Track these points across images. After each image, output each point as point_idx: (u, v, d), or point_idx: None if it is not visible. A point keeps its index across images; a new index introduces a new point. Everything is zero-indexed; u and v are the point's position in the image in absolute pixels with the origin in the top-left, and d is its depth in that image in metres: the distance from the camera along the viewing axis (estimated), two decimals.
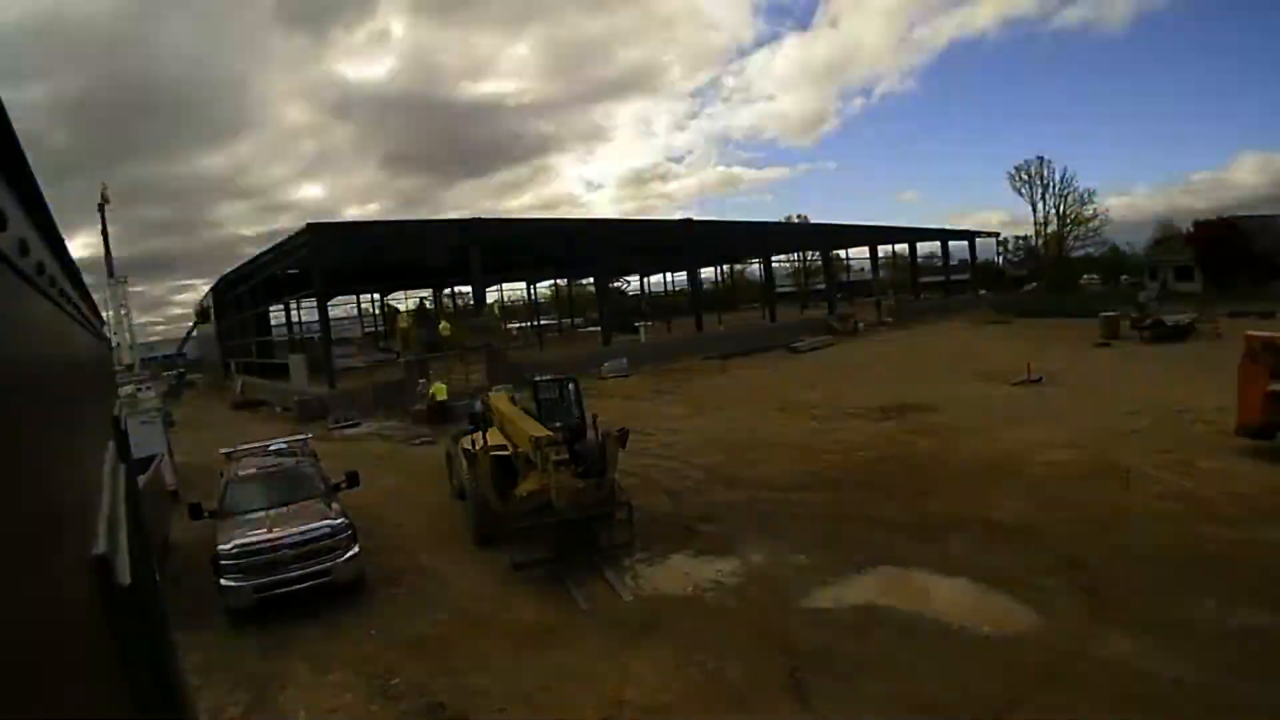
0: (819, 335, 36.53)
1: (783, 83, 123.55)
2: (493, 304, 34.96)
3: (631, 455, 11.03)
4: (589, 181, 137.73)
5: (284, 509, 8.87)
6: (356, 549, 8.53)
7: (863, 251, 55.38)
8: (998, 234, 57.64)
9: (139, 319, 39.07)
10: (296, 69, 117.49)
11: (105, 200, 31.68)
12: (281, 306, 40.43)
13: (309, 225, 25.97)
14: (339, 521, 8.56)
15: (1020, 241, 59.32)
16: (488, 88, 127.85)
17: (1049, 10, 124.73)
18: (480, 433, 10.31)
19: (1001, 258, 58.58)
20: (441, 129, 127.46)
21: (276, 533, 8.23)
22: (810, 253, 59.14)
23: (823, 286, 50.96)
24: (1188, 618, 6.41)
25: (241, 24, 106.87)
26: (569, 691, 6.17)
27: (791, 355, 31.69)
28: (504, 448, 10.00)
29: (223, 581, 7.96)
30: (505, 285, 55.10)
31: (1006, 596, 7.17)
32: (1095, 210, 53.79)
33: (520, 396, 12.54)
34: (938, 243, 55.23)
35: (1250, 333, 11.70)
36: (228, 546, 8.06)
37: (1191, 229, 46.28)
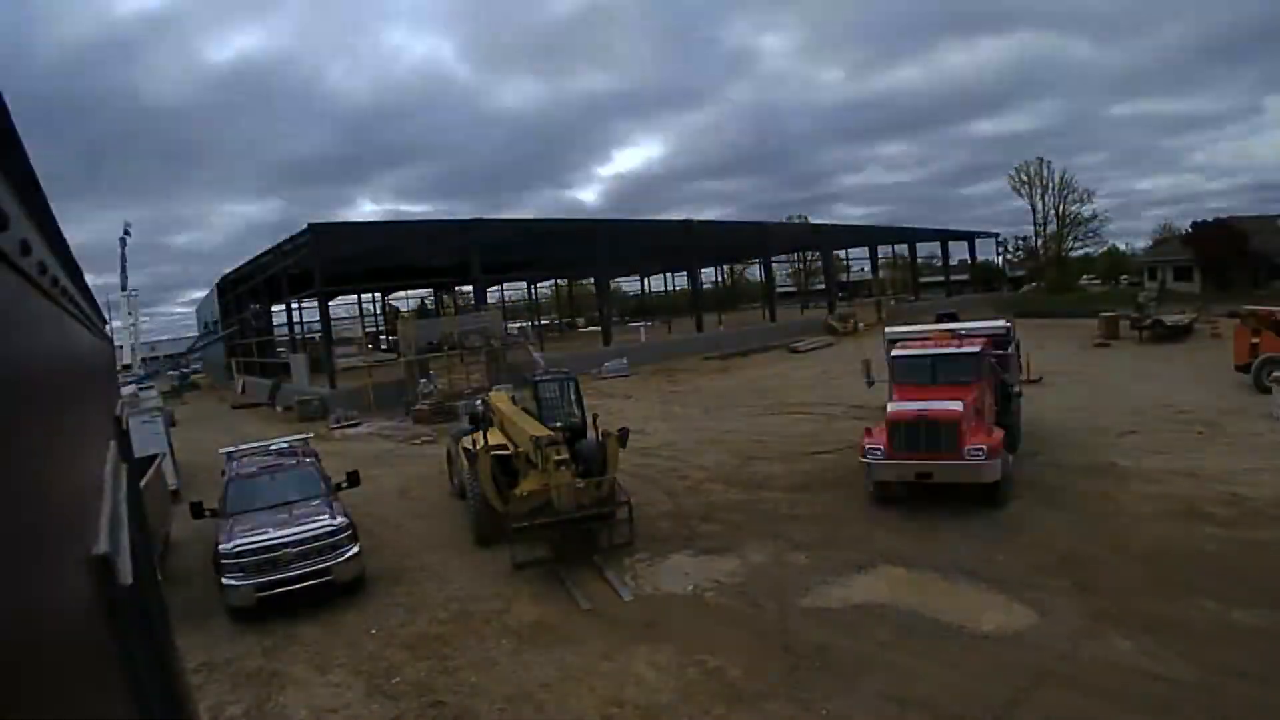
0: (819, 335, 36.54)
1: None
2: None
3: (631, 455, 11.05)
4: None
5: (285, 508, 8.88)
6: (357, 548, 8.53)
7: (863, 252, 55.44)
8: (997, 234, 57.68)
9: (145, 321, 39.57)
10: None
11: (127, 233, 36.89)
12: (283, 306, 40.41)
13: (310, 225, 25.97)
14: (340, 521, 8.57)
15: (1019, 242, 59.35)
16: None
17: None
18: (480, 432, 10.31)
19: (1001, 258, 58.57)
20: None
21: (277, 532, 8.24)
22: (810, 253, 59.15)
23: (823, 287, 50.97)
24: (1187, 618, 6.41)
25: None
26: (569, 691, 6.17)
27: (792, 355, 31.68)
28: (504, 447, 10.00)
29: (224, 580, 7.96)
30: (505, 285, 55.19)
31: (1006, 596, 7.17)
32: (1094, 210, 53.82)
33: (521, 396, 12.55)
34: (937, 243, 55.26)
35: (1244, 307, 17.44)
36: (229, 546, 8.07)
37: (1190, 229, 46.28)
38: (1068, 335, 28.87)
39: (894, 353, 11.30)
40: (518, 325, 44.01)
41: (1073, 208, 53.47)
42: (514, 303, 58.87)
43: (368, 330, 49.29)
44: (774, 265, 50.86)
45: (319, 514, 8.71)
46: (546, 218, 38.45)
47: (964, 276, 56.17)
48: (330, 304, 31.74)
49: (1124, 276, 54.70)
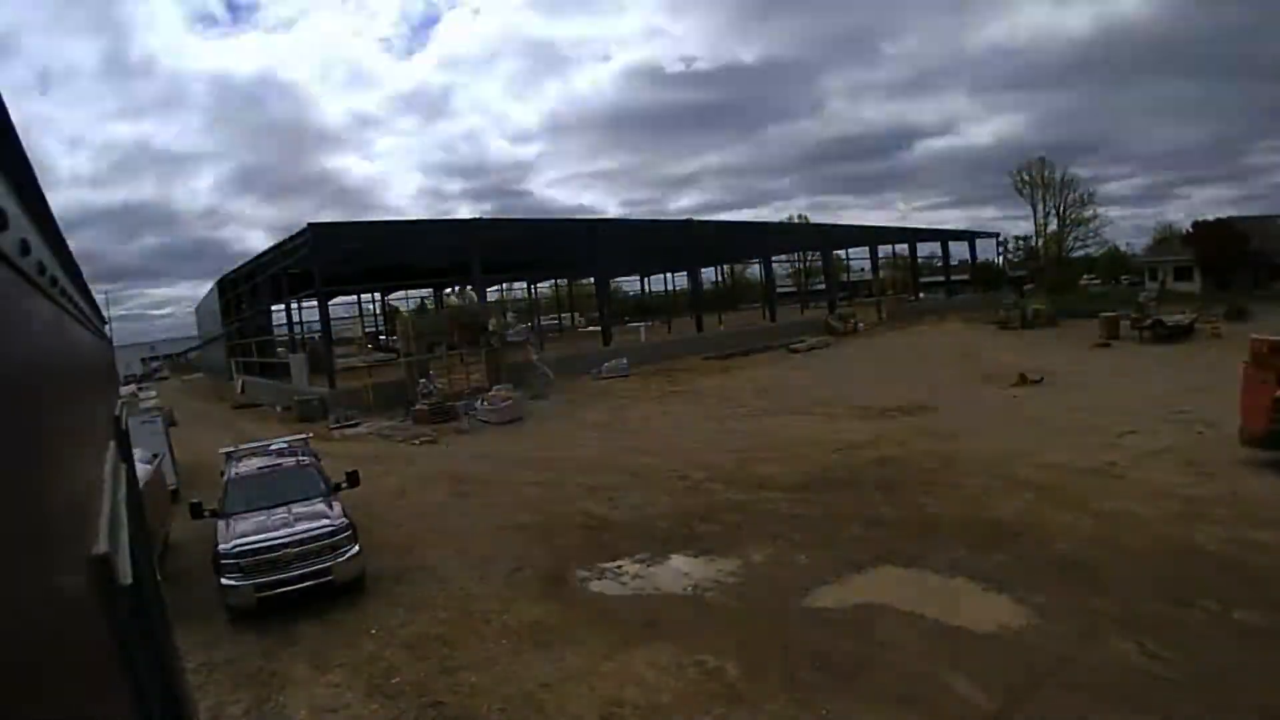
0: (819, 335, 36.55)
1: None
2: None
3: (632, 455, 11.10)
4: None
5: (284, 508, 8.86)
6: (357, 548, 8.52)
7: (863, 251, 55.41)
8: (998, 234, 57.72)
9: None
10: None
11: None
12: (282, 306, 40.43)
13: (310, 225, 25.98)
14: (340, 521, 8.55)
15: (1020, 242, 59.39)
16: None
17: None
18: None
19: (1001, 258, 58.59)
20: None
21: (277, 533, 8.23)
22: (810, 253, 59.15)
23: (823, 286, 50.96)
24: (1187, 618, 6.41)
25: None
26: (569, 691, 6.17)
27: (792, 355, 31.69)
28: None
29: (223, 581, 7.95)
30: (504, 285, 55.11)
31: (1006, 596, 7.17)
32: (1095, 211, 53.87)
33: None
34: (938, 243, 55.24)
35: (1255, 336, 10.99)
36: (228, 546, 8.06)
37: (1190, 229, 46.28)
38: (1068, 336, 28.91)
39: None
40: (520, 323, 43.98)
41: (1073, 208, 53.56)
42: (514, 302, 58.85)
43: (367, 330, 49.28)
44: (774, 265, 50.92)
45: (319, 514, 8.69)
46: (547, 218, 38.45)
47: (964, 276, 56.19)
48: (330, 304, 31.75)
49: (1124, 276, 54.72)
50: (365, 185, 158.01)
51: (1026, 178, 54.86)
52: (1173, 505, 9.15)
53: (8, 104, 0.86)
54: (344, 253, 29.47)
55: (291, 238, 27.77)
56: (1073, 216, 54.16)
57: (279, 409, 27.63)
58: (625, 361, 29.32)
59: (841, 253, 56.01)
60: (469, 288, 36.37)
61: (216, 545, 8.22)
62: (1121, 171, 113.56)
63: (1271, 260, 40.09)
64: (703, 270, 47.94)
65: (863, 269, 60.53)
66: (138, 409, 15.08)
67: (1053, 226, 54.80)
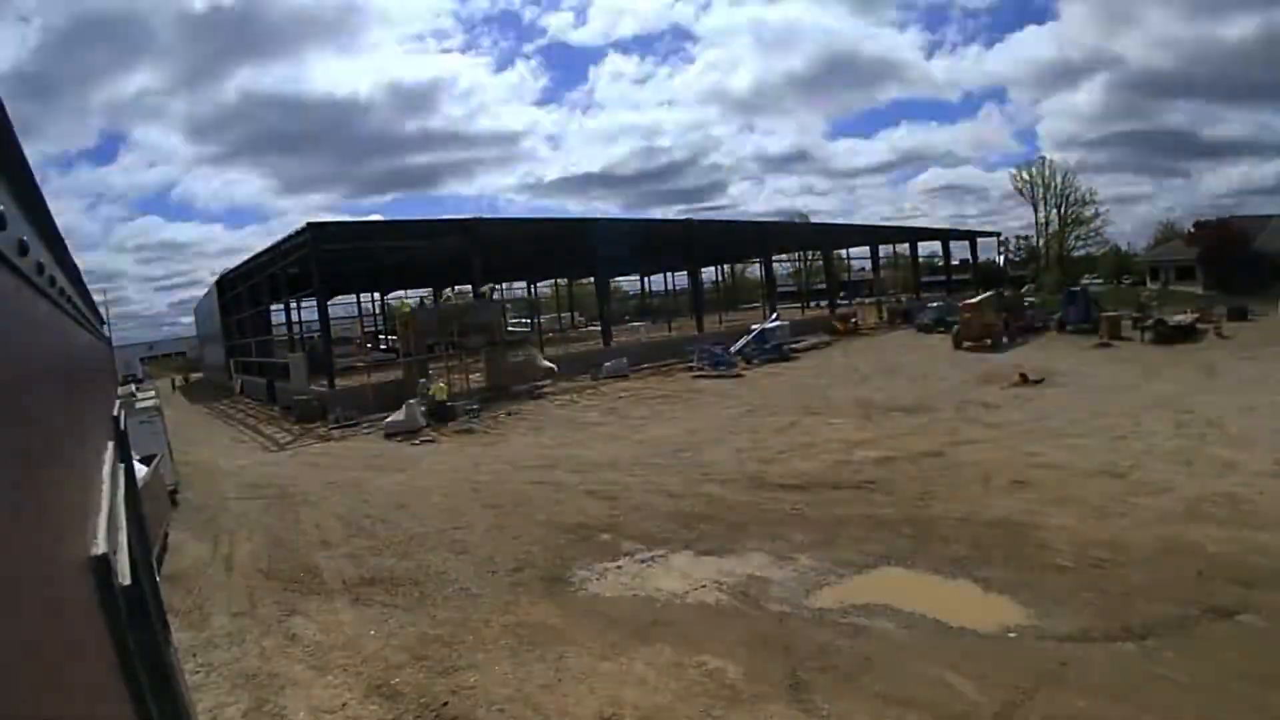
0: (820, 335, 36.55)
1: None
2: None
3: (632, 454, 11.10)
4: None
5: None
6: None
7: (864, 251, 55.41)
8: (998, 234, 57.74)
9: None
10: None
11: None
12: (281, 306, 40.38)
13: (309, 224, 25.96)
14: None
15: (1021, 242, 59.39)
16: None
17: None
18: None
19: (1003, 258, 58.62)
20: None
21: None
22: (811, 252, 59.16)
23: (824, 286, 50.94)
24: (1188, 618, 6.40)
25: None
26: (569, 691, 6.16)
27: (792, 355, 31.67)
28: None
29: None
30: (504, 285, 55.08)
31: (1006, 596, 7.17)
32: (1096, 210, 53.87)
33: None
34: (939, 243, 55.21)
35: None
36: None
37: (1192, 228, 46.29)
38: (1069, 335, 28.89)
39: None
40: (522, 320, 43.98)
41: (1074, 208, 53.58)
42: (514, 302, 58.84)
43: (367, 330, 49.31)
44: (774, 265, 50.92)
45: None
46: (546, 218, 38.44)
47: (966, 276, 56.20)
48: (329, 304, 31.70)
49: (1126, 276, 54.73)
50: None
51: (1027, 177, 54.87)
52: (1174, 505, 9.14)
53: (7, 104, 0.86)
54: (343, 252, 29.42)
55: (290, 237, 27.74)
56: (1074, 216, 54.16)
57: (278, 409, 27.63)
58: (625, 361, 29.32)
59: (842, 252, 56.02)
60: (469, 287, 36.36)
61: None
62: None
63: (1274, 260, 40.06)
64: (703, 270, 47.95)
65: (864, 269, 60.53)
66: (135, 409, 15.08)
67: (1052, 227, 54.80)
